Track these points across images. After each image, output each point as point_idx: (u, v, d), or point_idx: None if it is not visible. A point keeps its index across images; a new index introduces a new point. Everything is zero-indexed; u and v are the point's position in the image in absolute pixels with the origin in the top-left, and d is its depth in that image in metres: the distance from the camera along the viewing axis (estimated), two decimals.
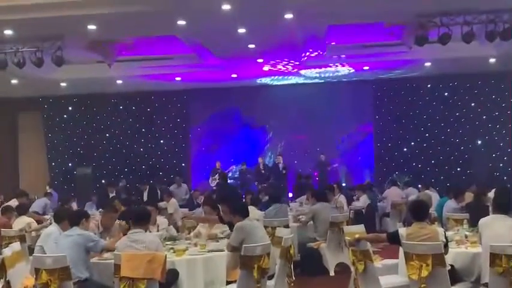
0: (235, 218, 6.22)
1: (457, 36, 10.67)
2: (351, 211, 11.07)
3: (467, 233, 6.50)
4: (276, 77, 17.11)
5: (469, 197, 9.07)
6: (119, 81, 16.47)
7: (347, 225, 8.29)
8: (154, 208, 7.72)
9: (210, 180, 16.81)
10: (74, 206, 11.87)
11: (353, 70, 16.20)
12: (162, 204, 11.44)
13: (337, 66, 15.79)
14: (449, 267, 5.33)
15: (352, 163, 17.94)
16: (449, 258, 5.44)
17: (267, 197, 11.33)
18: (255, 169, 16.96)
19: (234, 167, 17.93)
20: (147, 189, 14.48)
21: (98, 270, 5.82)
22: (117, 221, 6.86)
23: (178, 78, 16.62)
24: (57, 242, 6.04)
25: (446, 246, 5.26)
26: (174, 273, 5.69)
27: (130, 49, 13.84)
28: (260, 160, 16.90)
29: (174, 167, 18.39)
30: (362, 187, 13.01)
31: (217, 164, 17.18)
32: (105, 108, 18.62)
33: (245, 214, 6.26)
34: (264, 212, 9.15)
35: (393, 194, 12.96)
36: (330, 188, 10.66)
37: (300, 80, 17.72)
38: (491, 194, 8.76)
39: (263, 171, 16.59)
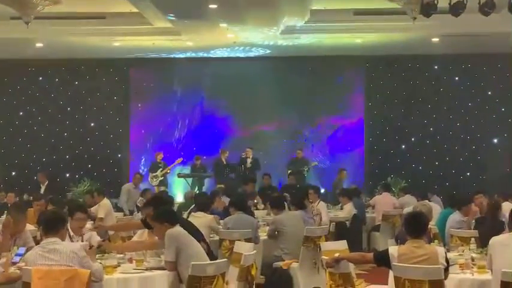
0: (163, 225, 6.25)
1: (473, 7, 10.80)
2: (332, 223, 11.15)
3: (474, 254, 6.63)
4: (242, 48, 17.10)
5: (476, 209, 9.21)
6: (39, 44, 16.24)
7: (326, 240, 8.37)
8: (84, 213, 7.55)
9: (149, 178, 16.66)
10: None
11: (340, 40, 16.25)
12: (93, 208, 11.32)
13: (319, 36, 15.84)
14: None
15: (336, 162, 18.03)
16: (450, 286, 5.54)
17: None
18: (214, 164, 16.94)
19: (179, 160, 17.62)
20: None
21: None
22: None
23: (117, 44, 16.51)
24: None
25: (446, 270, 5.37)
26: None
27: (55, 3, 13.62)
28: (222, 153, 16.87)
29: (107, 158, 18.29)
30: (348, 192, 13.07)
31: (158, 157, 16.96)
32: (20, 79, 18.35)
33: (174, 221, 6.30)
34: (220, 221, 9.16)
35: (383, 201, 13.00)
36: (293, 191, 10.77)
37: (273, 53, 17.70)
38: (507, 207, 8.96)
39: (225, 168, 16.58)
